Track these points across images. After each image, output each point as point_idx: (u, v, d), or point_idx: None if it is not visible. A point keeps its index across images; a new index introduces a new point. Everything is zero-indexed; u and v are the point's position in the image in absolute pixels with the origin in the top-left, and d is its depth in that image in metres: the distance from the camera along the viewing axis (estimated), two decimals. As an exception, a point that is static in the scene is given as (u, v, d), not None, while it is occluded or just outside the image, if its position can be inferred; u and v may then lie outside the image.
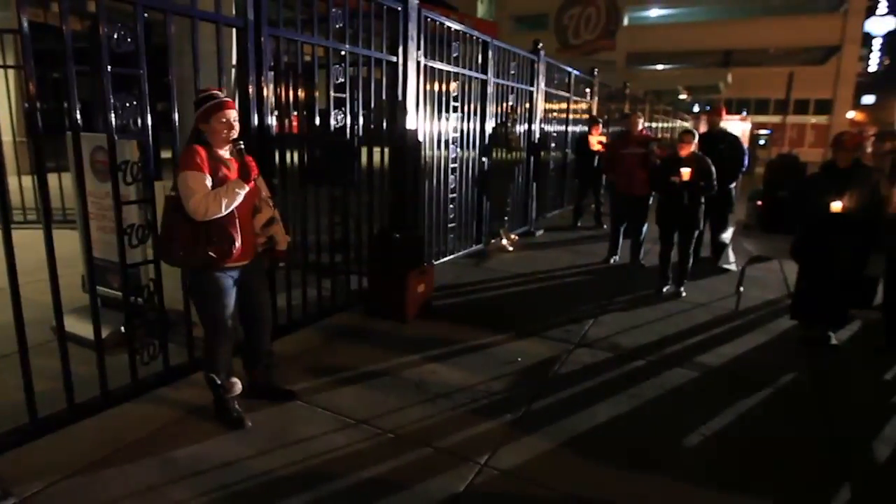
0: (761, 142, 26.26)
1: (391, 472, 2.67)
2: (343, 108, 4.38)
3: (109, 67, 2.76)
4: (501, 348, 4.14)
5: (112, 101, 2.81)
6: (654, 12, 40.58)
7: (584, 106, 10.99)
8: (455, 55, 6.10)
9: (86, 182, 2.97)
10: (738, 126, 29.70)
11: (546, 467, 2.76)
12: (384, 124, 5.06)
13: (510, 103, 7.53)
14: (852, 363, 4.16)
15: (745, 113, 34.38)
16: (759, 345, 4.38)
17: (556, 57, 10.52)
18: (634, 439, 3.03)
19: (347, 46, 4.35)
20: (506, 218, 7.43)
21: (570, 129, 10.14)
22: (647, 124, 11.63)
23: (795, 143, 35.33)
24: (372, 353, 3.95)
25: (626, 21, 38.06)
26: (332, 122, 4.36)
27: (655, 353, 4.12)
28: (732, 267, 5.88)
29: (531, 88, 8.15)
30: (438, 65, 5.66)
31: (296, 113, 4.29)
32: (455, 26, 5.98)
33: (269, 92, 3.68)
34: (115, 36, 2.80)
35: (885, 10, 40.35)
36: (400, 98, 5.07)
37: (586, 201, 9.14)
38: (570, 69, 9.99)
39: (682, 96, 26.29)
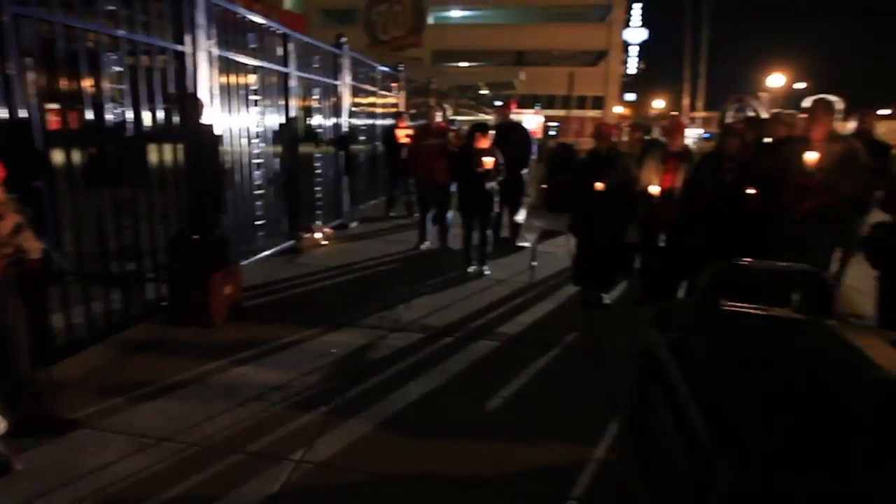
0: (552, 133, 29.22)
1: (199, 487, 2.48)
2: (122, 101, 3.91)
3: None
4: (316, 342, 4.06)
5: None
6: (456, 13, 42.70)
7: (392, 100, 11.18)
8: (252, 47, 5.79)
9: None
10: (532, 119, 32.38)
11: (363, 452, 2.78)
12: (176, 119, 4.62)
13: (315, 97, 7.37)
14: (618, 316, 4.83)
15: (538, 107, 37.74)
16: (550, 311, 4.88)
17: (367, 52, 10.54)
18: (445, 411, 3.19)
19: (122, 32, 3.88)
20: (318, 212, 7.28)
21: (378, 122, 10.25)
22: (452, 117, 12.17)
23: (579, 133, 39.80)
24: (175, 364, 3.61)
25: (431, 20, 39.39)
26: (110, 116, 3.86)
27: (463, 330, 4.37)
28: (526, 243, 6.45)
29: (337, 82, 8.06)
30: (234, 56, 5.31)
31: (59, 105, 3.70)
32: (251, 16, 5.66)
33: (24, 81, 3.14)
34: None
35: (639, 23, 47.28)
36: (191, 91, 4.67)
37: (398, 191, 9.33)
38: (375, 64, 10.06)
39: (484, 91, 28.03)
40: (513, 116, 7.49)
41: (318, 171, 7.56)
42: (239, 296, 4.60)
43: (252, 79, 5.83)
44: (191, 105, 4.62)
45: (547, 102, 40.40)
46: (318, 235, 7.00)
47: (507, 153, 5.89)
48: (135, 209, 4.16)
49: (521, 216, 6.97)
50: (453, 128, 8.08)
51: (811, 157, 3.74)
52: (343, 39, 8.19)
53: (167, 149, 4.46)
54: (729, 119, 7.26)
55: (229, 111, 5.34)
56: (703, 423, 0.77)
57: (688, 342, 0.91)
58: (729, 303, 1.12)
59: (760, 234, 4.06)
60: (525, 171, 7.11)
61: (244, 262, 5.47)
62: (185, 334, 4.09)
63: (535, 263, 5.76)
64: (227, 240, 4.63)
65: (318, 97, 7.54)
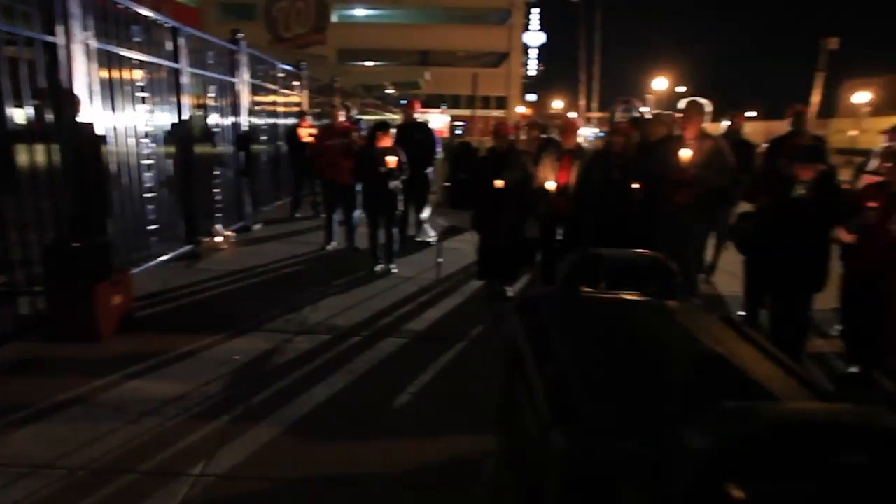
0: (458, 132, 29.67)
1: (83, 514, 2.29)
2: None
3: None
4: (217, 350, 3.86)
5: None
6: (360, 12, 42.23)
7: (295, 99, 10.86)
8: (138, 40, 5.39)
9: None
10: (439, 119, 32.66)
11: (269, 459, 2.69)
12: (50, 117, 4.21)
13: (211, 95, 7.01)
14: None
15: (444, 107, 38.14)
16: (456, 305, 4.95)
17: (269, 49, 10.14)
18: (353, 410, 3.15)
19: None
20: (218, 214, 6.94)
21: (281, 121, 9.92)
22: (358, 116, 12.02)
23: (484, 132, 40.74)
24: (55, 384, 3.29)
25: (335, 18, 38.64)
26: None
27: (370, 328, 4.33)
28: (432, 240, 6.51)
29: (234, 80, 7.70)
30: (116, 49, 4.92)
31: None
32: (135, 7, 5.26)
33: None
34: None
35: (538, 27, 49.17)
36: (66, 86, 4.27)
37: (303, 192, 9.08)
38: (275, 62, 9.72)
39: (390, 91, 27.94)
40: (418, 116, 7.51)
41: (218, 172, 7.20)
42: (130, 306, 4.28)
43: (139, 74, 5.44)
44: (65, 102, 4.23)
45: (452, 102, 40.96)
46: (218, 239, 6.67)
47: (411, 152, 5.91)
48: (1, 216, 3.75)
49: (426, 214, 7.02)
50: (361, 127, 7.98)
51: (685, 153, 4.06)
52: (240, 35, 7.83)
53: (40, 149, 4.06)
54: (617, 119, 7.72)
55: (113, 109, 4.94)
56: (545, 401, 0.82)
57: (541, 327, 0.96)
58: (587, 289, 1.20)
59: (645, 224, 4.35)
60: (430, 169, 7.17)
61: (136, 270, 5.11)
62: (68, 351, 3.74)
63: (441, 260, 5.82)
64: (111, 246, 4.29)
65: (214, 95, 7.16)
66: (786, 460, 0.59)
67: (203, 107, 6.91)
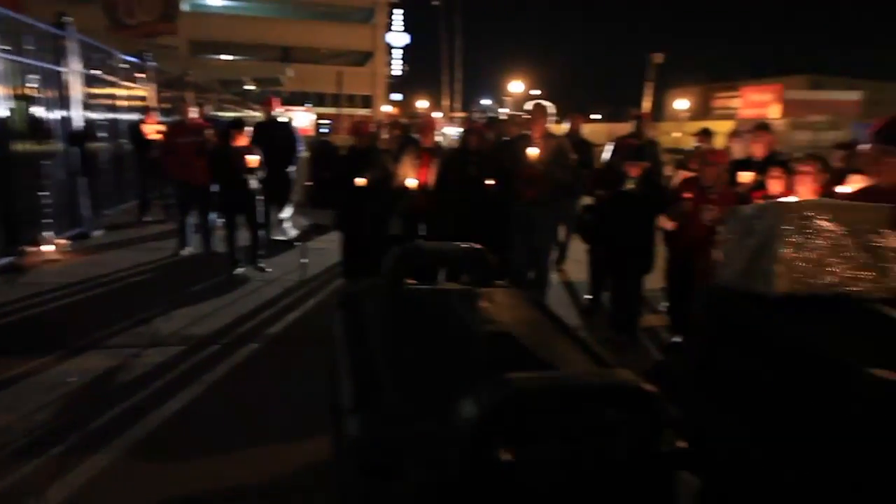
0: (324, 130, 28.99)
1: None
2: None
3: None
4: (46, 373, 3.40)
5: None
6: (215, 2, 39.49)
7: (140, 92, 9.89)
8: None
9: None
10: (303, 117, 31.66)
11: (112, 487, 2.43)
12: None
13: (32, 85, 6.14)
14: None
15: (309, 105, 37.09)
16: (320, 306, 4.83)
17: (111, 37, 9.09)
18: (208, 423, 2.95)
19: None
20: (47, 221, 6.10)
21: (123, 117, 8.98)
22: (214, 113, 11.23)
23: (351, 131, 40.24)
24: None
25: (186, 7, 35.72)
26: None
27: (229, 336, 4.08)
28: (292, 239, 6.30)
29: (61, 69, 6.81)
30: None
31: None
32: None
33: None
34: None
35: (401, 28, 49.50)
36: None
37: (151, 194, 8.31)
38: (113, 51, 8.77)
39: (250, 87, 26.51)
40: (280, 114, 7.18)
41: (46, 173, 6.32)
42: (-70, 330, 3.62)
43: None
44: None
45: (317, 100, 39.95)
46: (47, 248, 5.87)
47: (271, 151, 5.65)
48: None
49: (286, 213, 6.77)
50: (218, 125, 7.45)
51: (532, 152, 4.33)
52: (67, 19, 6.93)
53: None
54: (477, 119, 8.03)
55: None
56: (345, 391, 0.83)
57: (357, 320, 0.97)
58: (410, 281, 1.23)
59: (500, 218, 4.58)
60: (292, 168, 6.92)
61: (-62, 288, 4.34)
62: None
63: (305, 260, 5.65)
64: None
65: (36, 86, 6.28)
66: (544, 423, 0.65)
67: (23, 98, 6.03)
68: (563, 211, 5.09)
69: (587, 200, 4.80)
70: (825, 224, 1.24)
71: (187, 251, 6.27)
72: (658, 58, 31.32)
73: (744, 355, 1.37)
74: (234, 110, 19.34)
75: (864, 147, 2.21)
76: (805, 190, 3.42)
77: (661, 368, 2.10)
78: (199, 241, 6.27)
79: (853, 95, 32.56)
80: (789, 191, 3.66)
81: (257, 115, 19.35)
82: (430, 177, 4.76)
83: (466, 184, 4.48)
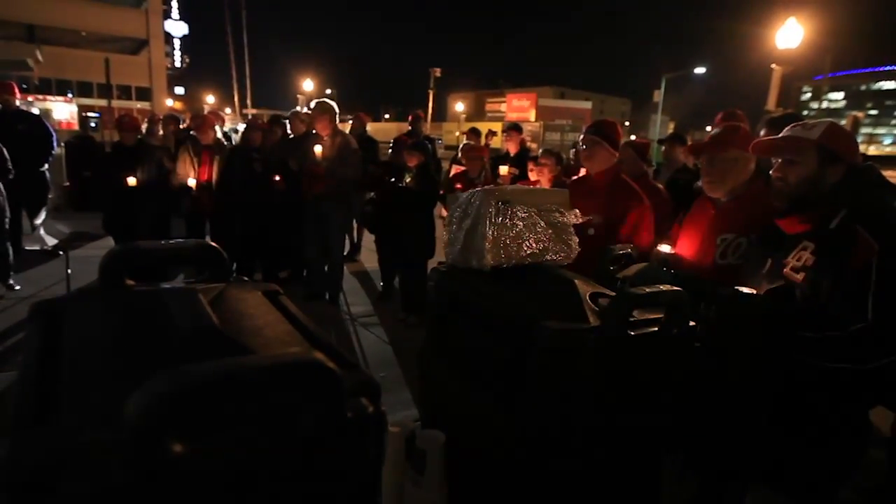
0: (92, 124, 24.63)
1: None
2: None
3: None
4: None
5: None
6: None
7: None
8: None
9: None
10: (64, 108, 26.58)
11: None
12: None
13: None
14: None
15: (70, 95, 31.29)
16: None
17: None
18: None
19: None
20: None
21: None
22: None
23: (115, 125, 35.01)
24: None
25: None
26: None
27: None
28: (50, 248, 5.30)
29: None
30: None
31: None
32: None
33: None
34: None
35: (178, 16, 44.31)
36: None
37: None
38: None
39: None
40: (30, 103, 5.90)
41: None
42: None
43: None
44: None
45: (82, 90, 33.94)
46: None
47: (14, 148, 4.62)
48: None
49: (41, 219, 5.64)
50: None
51: (318, 149, 4.26)
52: None
53: None
54: (268, 117, 7.60)
55: None
56: (13, 409, 0.74)
57: (54, 332, 0.85)
58: (132, 282, 1.14)
59: (290, 215, 4.43)
60: (45, 168, 5.77)
61: None
62: None
63: (70, 271, 4.77)
64: None
65: None
66: (223, 409, 0.66)
67: None
68: (354, 205, 5.13)
69: (371, 195, 4.90)
70: (520, 207, 1.48)
71: None
72: (437, 71, 33.87)
73: (469, 324, 1.56)
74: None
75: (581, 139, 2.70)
76: (543, 179, 3.95)
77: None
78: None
79: (587, 104, 38.90)
80: (535, 181, 4.20)
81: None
82: (213, 175, 4.40)
83: (251, 181, 4.25)
